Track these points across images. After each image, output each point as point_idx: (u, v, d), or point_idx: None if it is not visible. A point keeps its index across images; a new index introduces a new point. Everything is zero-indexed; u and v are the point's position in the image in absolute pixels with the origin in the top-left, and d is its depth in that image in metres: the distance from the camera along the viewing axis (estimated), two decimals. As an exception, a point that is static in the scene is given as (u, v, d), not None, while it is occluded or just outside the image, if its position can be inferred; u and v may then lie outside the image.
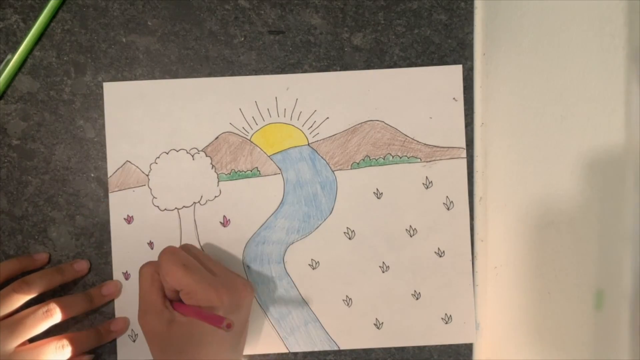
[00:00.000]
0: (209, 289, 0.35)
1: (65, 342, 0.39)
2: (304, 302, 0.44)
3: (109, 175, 0.43)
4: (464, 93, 0.44)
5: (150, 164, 0.43)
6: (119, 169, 0.43)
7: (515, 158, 0.38)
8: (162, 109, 0.43)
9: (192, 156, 0.43)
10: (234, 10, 0.43)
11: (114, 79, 0.43)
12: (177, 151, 0.43)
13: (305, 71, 0.44)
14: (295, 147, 0.44)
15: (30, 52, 0.43)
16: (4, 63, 0.42)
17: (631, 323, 0.24)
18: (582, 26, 0.29)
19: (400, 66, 0.44)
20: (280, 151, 0.43)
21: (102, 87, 0.43)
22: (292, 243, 0.44)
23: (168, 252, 0.37)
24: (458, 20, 0.44)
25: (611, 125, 0.26)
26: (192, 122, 0.43)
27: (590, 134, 0.28)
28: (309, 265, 0.44)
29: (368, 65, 0.44)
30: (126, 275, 0.43)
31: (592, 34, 0.28)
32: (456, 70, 0.43)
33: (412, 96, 0.43)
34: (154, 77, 0.43)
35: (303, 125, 0.44)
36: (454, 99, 0.43)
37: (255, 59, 0.44)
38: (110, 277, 0.43)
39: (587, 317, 0.28)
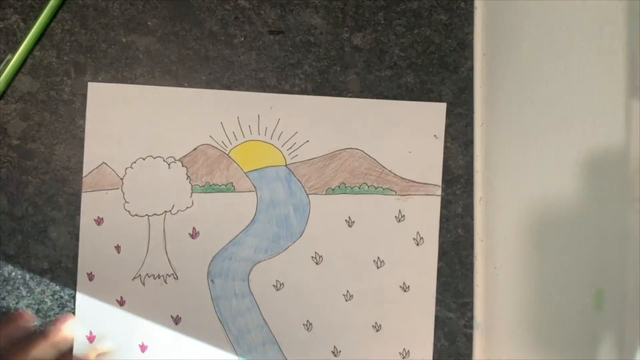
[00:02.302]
0: None
1: None
2: (264, 323, 0.43)
3: (83, 175, 0.43)
4: (464, 94, 0.44)
5: (126, 168, 0.43)
6: (94, 169, 0.43)
7: (515, 158, 0.38)
8: (144, 115, 0.43)
9: (169, 165, 0.43)
10: (234, 10, 0.43)
11: (114, 79, 0.43)
12: (154, 158, 0.43)
13: (305, 71, 0.44)
14: (273, 166, 0.43)
15: (30, 52, 0.43)
16: (4, 63, 0.42)
17: (631, 323, 0.24)
18: (582, 27, 0.29)
19: (400, 66, 0.44)
20: (257, 169, 0.43)
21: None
22: (259, 262, 0.43)
23: None
24: (458, 20, 0.44)
25: (611, 125, 0.26)
26: (172, 131, 0.43)
27: (590, 134, 0.28)
28: (274, 286, 0.43)
29: (368, 65, 0.44)
30: (90, 276, 0.43)
31: (592, 35, 0.28)
32: (440, 108, 0.43)
33: (393, 129, 0.43)
34: (154, 77, 0.43)
35: (283, 146, 0.43)
36: (434, 136, 0.43)
37: (255, 59, 0.44)
38: (75, 276, 0.43)
39: (587, 317, 0.28)
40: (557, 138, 0.32)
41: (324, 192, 0.43)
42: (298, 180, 0.43)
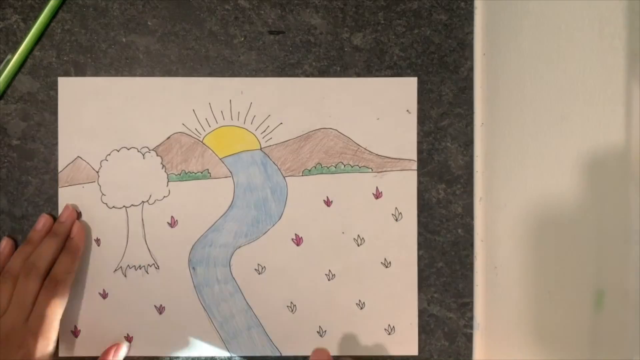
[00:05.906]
0: None
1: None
2: (247, 307, 0.43)
3: (59, 170, 0.43)
4: (464, 94, 0.44)
5: (101, 161, 0.43)
6: (69, 164, 0.43)
7: (515, 158, 0.38)
8: (116, 106, 0.43)
9: (143, 155, 0.43)
10: (234, 10, 0.43)
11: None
12: (128, 149, 0.43)
13: (305, 71, 0.44)
14: (248, 151, 0.43)
15: (30, 52, 0.43)
16: (4, 63, 0.42)
17: (631, 323, 0.24)
18: (582, 27, 0.29)
19: (400, 66, 0.44)
20: (232, 154, 0.43)
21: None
22: (240, 247, 0.43)
23: None
24: (458, 20, 0.44)
25: (611, 125, 0.26)
26: (145, 121, 0.43)
27: (590, 134, 0.28)
28: (255, 270, 0.43)
29: (368, 65, 0.44)
30: None
31: (592, 35, 0.28)
32: (411, 83, 0.43)
33: (366, 106, 0.43)
34: (153, 77, 0.43)
35: (256, 130, 0.43)
36: (407, 111, 0.43)
37: (255, 59, 0.44)
38: None
39: (587, 317, 0.28)
40: (557, 138, 0.32)
41: (301, 174, 0.43)
42: (274, 163, 0.43)
